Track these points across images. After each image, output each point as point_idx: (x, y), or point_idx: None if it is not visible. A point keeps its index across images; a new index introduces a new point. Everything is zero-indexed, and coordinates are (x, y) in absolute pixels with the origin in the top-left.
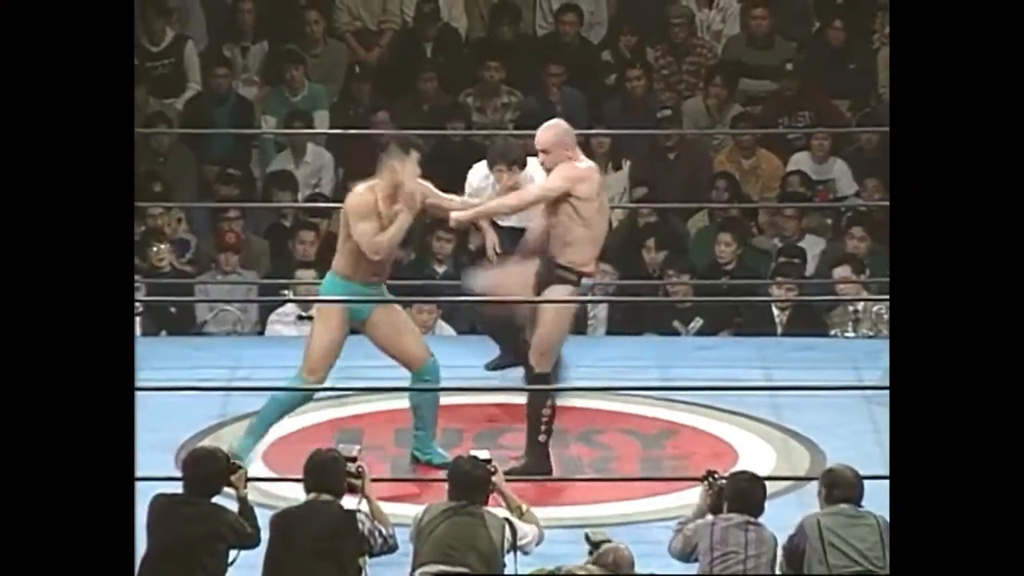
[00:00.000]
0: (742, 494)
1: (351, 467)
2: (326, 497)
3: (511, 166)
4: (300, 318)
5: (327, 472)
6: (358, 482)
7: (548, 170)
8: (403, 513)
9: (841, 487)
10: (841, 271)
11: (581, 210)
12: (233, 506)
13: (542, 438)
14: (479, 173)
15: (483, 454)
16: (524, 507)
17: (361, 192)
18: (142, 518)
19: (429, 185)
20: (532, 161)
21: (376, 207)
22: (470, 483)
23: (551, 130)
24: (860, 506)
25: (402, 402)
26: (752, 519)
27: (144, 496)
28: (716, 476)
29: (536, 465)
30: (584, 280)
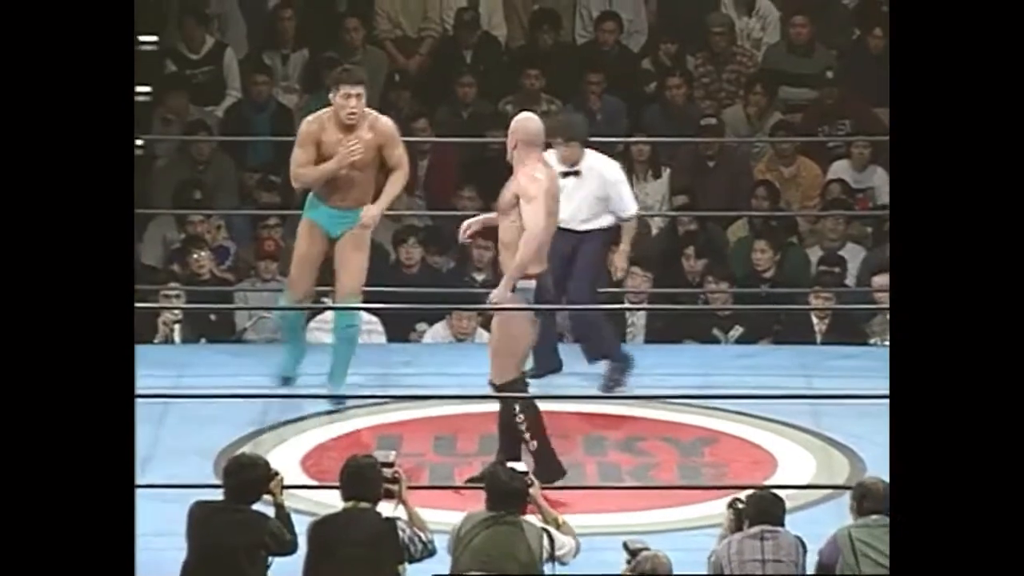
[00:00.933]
0: (759, 510)
1: (387, 473)
2: (364, 504)
3: (569, 142)
4: None
5: (364, 478)
6: (395, 488)
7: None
8: (442, 520)
9: (871, 499)
10: (881, 279)
11: (523, 214)
12: (270, 513)
13: (533, 446)
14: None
15: (520, 466)
16: (560, 519)
17: (308, 119)
18: (167, 524)
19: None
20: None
21: (316, 136)
22: (508, 493)
23: (531, 122)
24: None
25: (441, 409)
26: (769, 527)
27: (183, 502)
28: (739, 501)
29: (547, 472)
30: (524, 283)
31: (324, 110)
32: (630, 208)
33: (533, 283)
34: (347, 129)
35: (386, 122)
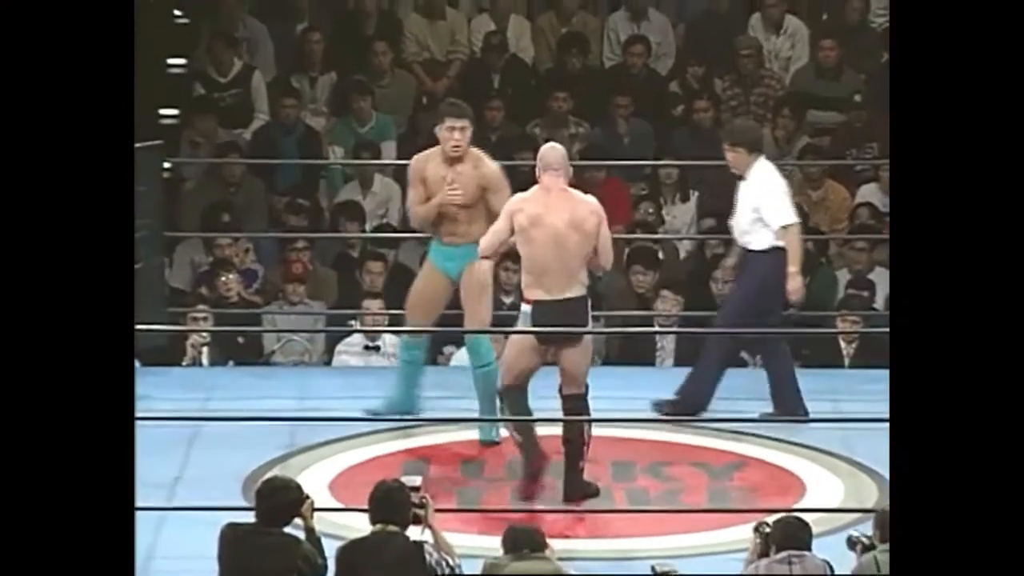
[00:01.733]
0: (786, 535)
1: (415, 498)
2: (392, 528)
3: (733, 147)
4: (367, 348)
5: (392, 502)
6: (422, 512)
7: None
8: (469, 544)
9: None
10: None
11: (518, 239)
12: (299, 536)
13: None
14: None
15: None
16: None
17: (417, 157)
18: (197, 547)
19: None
20: None
21: (422, 172)
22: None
23: (545, 150)
24: None
25: (469, 433)
26: (796, 551)
27: (212, 526)
28: (766, 526)
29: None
30: (524, 307)
31: (433, 149)
32: (781, 218)
33: (529, 308)
34: (451, 162)
35: (491, 166)
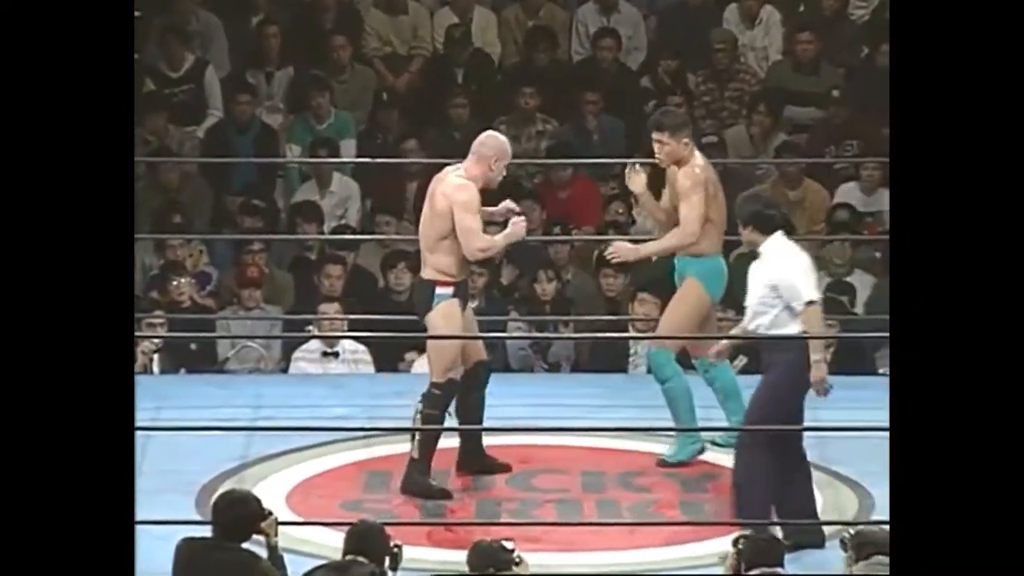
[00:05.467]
0: (756, 552)
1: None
2: (361, 559)
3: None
4: (325, 354)
5: (370, 541)
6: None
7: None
8: (433, 559)
9: (872, 544)
10: None
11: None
12: (262, 553)
13: (415, 453)
14: None
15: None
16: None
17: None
18: (150, 563)
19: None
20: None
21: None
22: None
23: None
24: None
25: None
26: (768, 569)
27: (166, 540)
28: (743, 540)
29: (413, 485)
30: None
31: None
32: (803, 295)
33: (450, 290)
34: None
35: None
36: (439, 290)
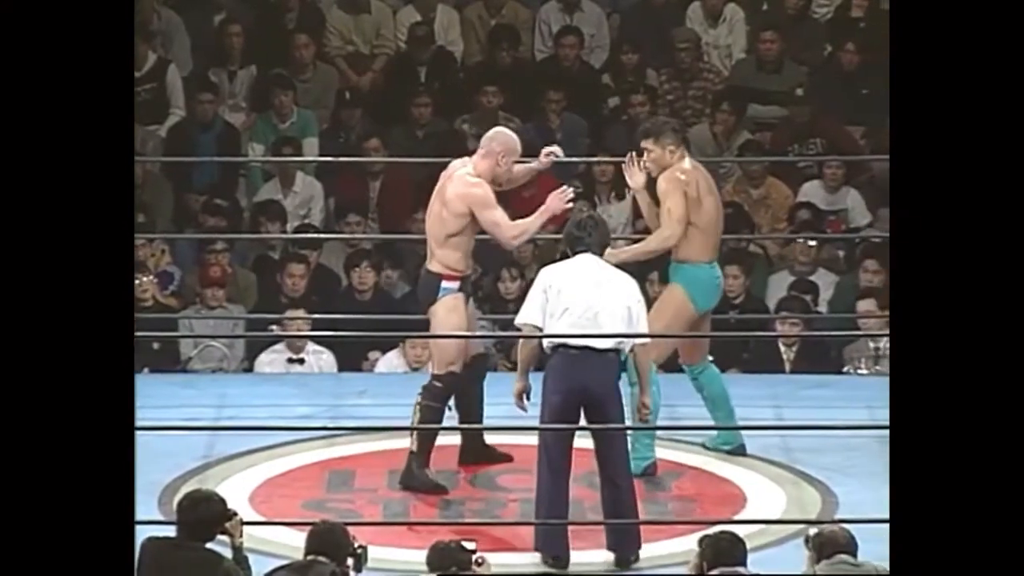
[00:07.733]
0: (718, 552)
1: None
2: (323, 559)
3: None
4: (291, 361)
5: (331, 542)
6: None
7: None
8: (396, 558)
9: (832, 544)
10: (866, 305)
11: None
12: (226, 553)
13: (414, 446)
14: None
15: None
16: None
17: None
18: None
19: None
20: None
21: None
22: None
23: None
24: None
25: (395, 442)
26: (729, 570)
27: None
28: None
29: (412, 480)
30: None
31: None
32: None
33: (456, 283)
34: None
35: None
36: (445, 283)
